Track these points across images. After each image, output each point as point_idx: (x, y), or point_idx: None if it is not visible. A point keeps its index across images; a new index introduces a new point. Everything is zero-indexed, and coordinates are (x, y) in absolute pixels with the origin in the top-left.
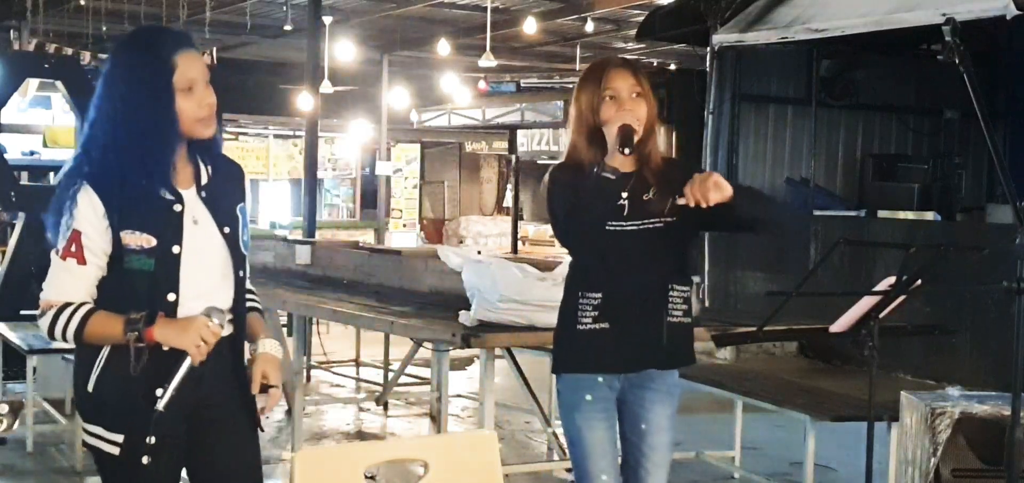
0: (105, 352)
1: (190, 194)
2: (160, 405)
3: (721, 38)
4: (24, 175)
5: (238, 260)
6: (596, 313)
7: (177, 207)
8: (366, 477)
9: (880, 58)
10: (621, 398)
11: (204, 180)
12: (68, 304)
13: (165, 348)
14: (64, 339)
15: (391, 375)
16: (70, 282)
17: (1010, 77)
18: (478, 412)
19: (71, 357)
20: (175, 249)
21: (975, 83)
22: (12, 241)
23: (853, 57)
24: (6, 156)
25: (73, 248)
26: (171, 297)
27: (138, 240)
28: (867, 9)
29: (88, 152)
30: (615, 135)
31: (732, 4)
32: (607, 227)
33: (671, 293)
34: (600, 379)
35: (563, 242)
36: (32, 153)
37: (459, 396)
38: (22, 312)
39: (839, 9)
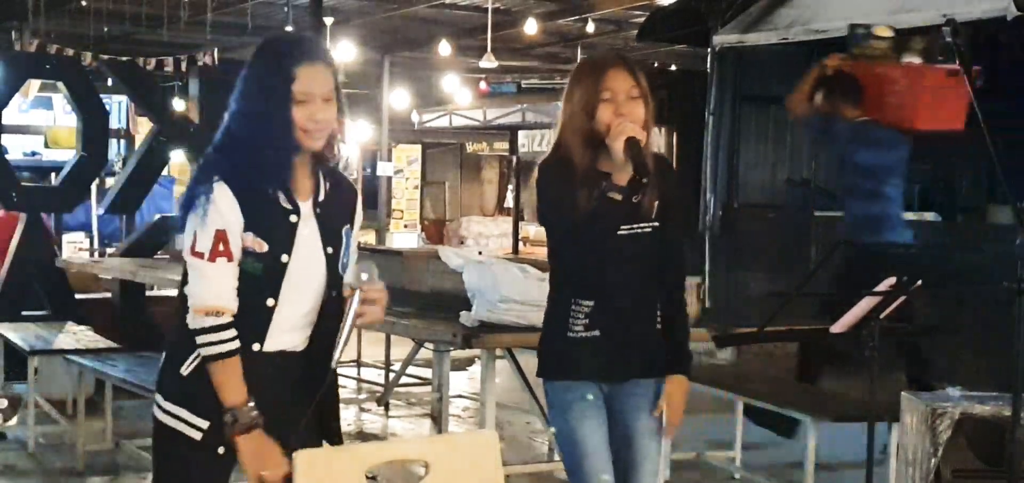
0: None
1: (306, 207)
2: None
3: (722, 39)
4: (25, 175)
5: (333, 280)
6: (587, 321)
7: (293, 217)
8: (367, 477)
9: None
10: (610, 406)
11: (321, 197)
12: (228, 325)
13: (255, 349)
14: (202, 349)
15: (392, 375)
16: (227, 283)
17: (1010, 78)
18: (479, 412)
19: (73, 358)
20: (284, 258)
21: (975, 84)
22: (14, 241)
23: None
24: (7, 157)
25: (221, 247)
26: (270, 302)
27: (254, 243)
28: (868, 10)
29: (219, 151)
30: (622, 150)
31: (733, 5)
32: (603, 233)
33: (654, 301)
34: (590, 385)
35: (550, 241)
36: (33, 154)
37: (460, 396)
38: (23, 312)
39: (840, 10)
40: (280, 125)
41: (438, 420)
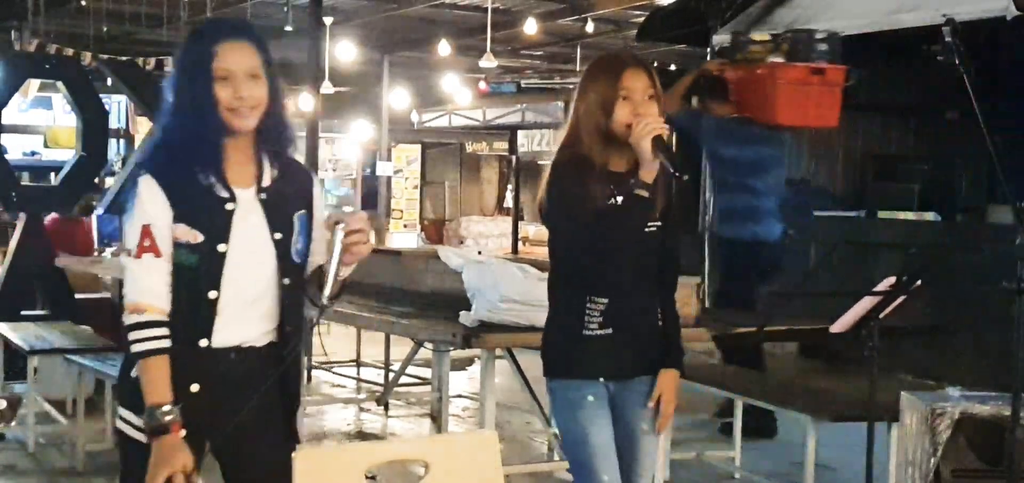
0: None
1: (247, 194)
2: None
3: (721, 38)
4: (25, 176)
5: (286, 268)
6: (602, 319)
7: (229, 205)
8: (367, 477)
9: (880, 59)
10: (612, 403)
11: (266, 181)
12: (154, 323)
13: (202, 345)
14: (130, 347)
15: (392, 375)
16: (153, 279)
17: (1010, 78)
18: (479, 412)
19: (73, 358)
20: (221, 247)
21: (975, 84)
22: (13, 241)
23: (853, 58)
24: (7, 156)
25: (147, 242)
26: (212, 294)
27: (187, 234)
28: (867, 10)
29: (151, 147)
30: (651, 148)
31: (732, 5)
32: (630, 230)
33: (656, 299)
34: (600, 381)
35: (564, 239)
36: (33, 154)
37: (460, 396)
38: (23, 312)
39: (839, 10)
40: (203, 106)
41: (438, 420)
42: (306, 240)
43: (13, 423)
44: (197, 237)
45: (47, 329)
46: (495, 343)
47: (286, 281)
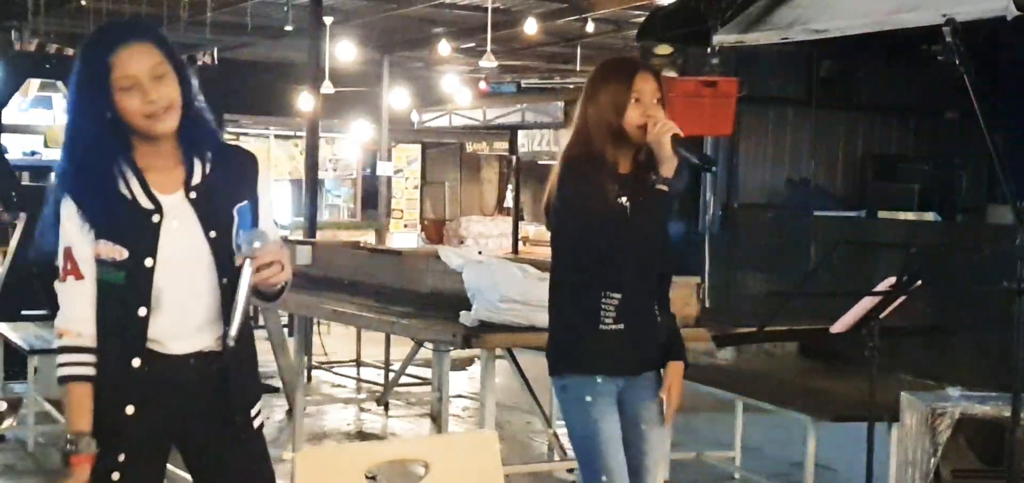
0: None
1: (174, 199)
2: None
3: (721, 39)
4: (25, 175)
5: (224, 268)
6: (615, 314)
7: (155, 217)
8: (367, 477)
9: (880, 59)
10: (620, 398)
11: (196, 179)
12: (75, 348)
13: (136, 365)
14: (57, 370)
15: (392, 375)
16: (76, 303)
17: (1010, 78)
18: (479, 412)
19: None
20: (148, 262)
21: (975, 84)
22: (13, 241)
23: (853, 58)
24: (7, 156)
25: (68, 265)
26: (141, 312)
27: (110, 251)
28: (867, 10)
29: (62, 164)
30: (668, 144)
31: (733, 5)
32: (651, 224)
33: (657, 294)
34: (613, 380)
35: (578, 236)
36: (33, 153)
37: (460, 396)
38: (23, 312)
39: (839, 10)
40: (103, 122)
41: (438, 420)
42: (249, 231)
43: (13, 423)
44: (122, 254)
45: (47, 329)
46: (495, 343)
47: (224, 281)
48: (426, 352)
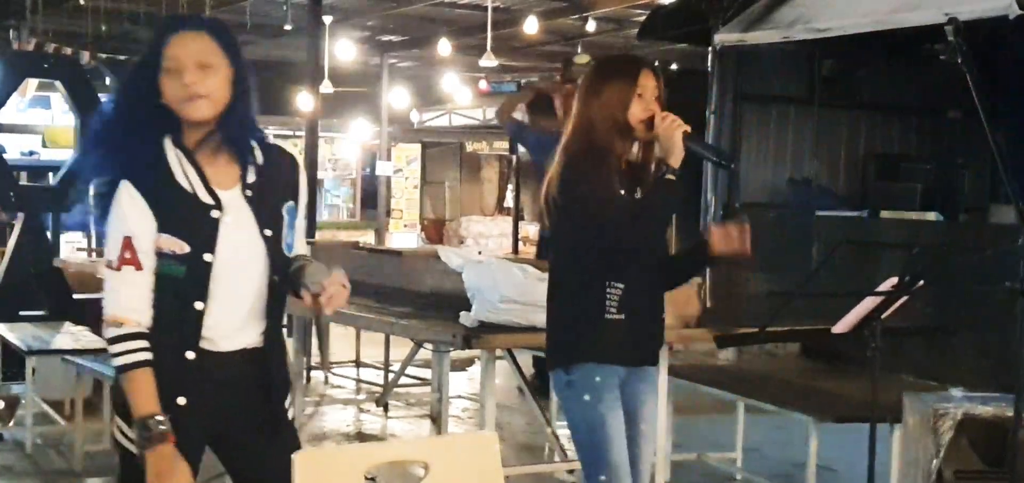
0: None
1: (232, 195)
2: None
3: (723, 38)
4: (23, 175)
5: (275, 264)
6: (619, 304)
7: (215, 213)
8: (366, 478)
9: (882, 58)
10: (621, 390)
11: (251, 177)
12: (135, 335)
13: (189, 357)
14: (113, 360)
15: (391, 376)
16: (132, 294)
17: (1013, 77)
18: (479, 413)
19: (71, 358)
20: (207, 257)
21: (978, 83)
22: (11, 241)
23: (855, 57)
24: (5, 156)
25: (127, 255)
26: (198, 306)
27: (172, 244)
28: (869, 9)
29: (107, 144)
30: (680, 140)
31: (734, 4)
32: (660, 215)
33: (659, 289)
34: (615, 372)
35: (583, 226)
36: (31, 153)
37: (460, 397)
38: (21, 313)
39: (841, 9)
40: (147, 95)
41: (437, 421)
42: (293, 232)
43: (11, 424)
44: (183, 247)
45: (45, 329)
46: (495, 343)
47: (276, 278)
48: (426, 353)
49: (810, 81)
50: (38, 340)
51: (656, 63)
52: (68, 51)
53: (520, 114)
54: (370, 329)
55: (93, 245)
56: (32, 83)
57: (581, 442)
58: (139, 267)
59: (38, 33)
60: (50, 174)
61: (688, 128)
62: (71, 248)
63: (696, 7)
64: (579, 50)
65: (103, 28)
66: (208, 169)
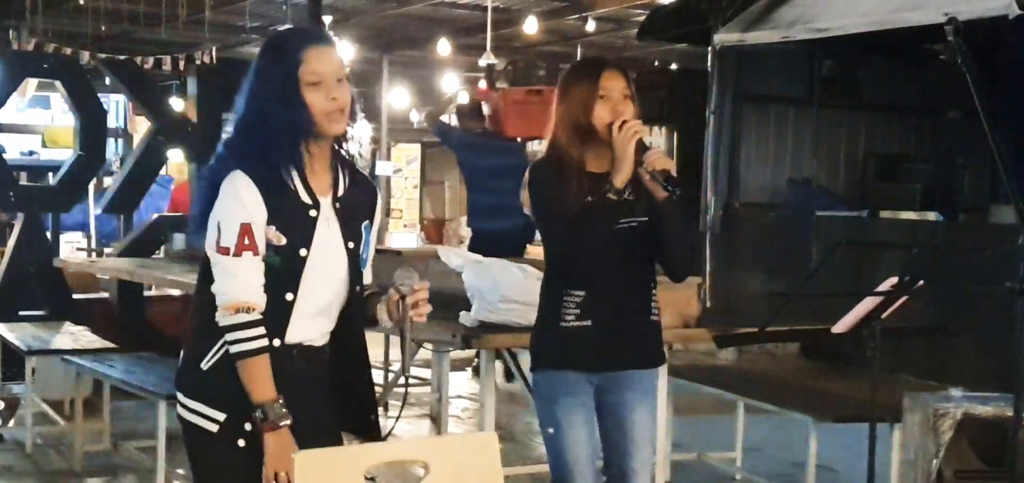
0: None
1: (326, 201)
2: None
3: (722, 38)
4: (23, 175)
5: (355, 275)
6: (579, 311)
7: (313, 212)
8: (366, 478)
9: (882, 58)
10: (602, 399)
11: (341, 191)
12: (256, 322)
13: (276, 345)
14: (232, 346)
15: (391, 376)
16: (252, 280)
17: (1012, 77)
18: (479, 413)
19: (71, 358)
20: (302, 251)
21: (977, 83)
22: (11, 241)
23: (855, 57)
24: (5, 156)
25: (246, 241)
26: (289, 297)
27: (274, 236)
28: (869, 9)
29: (233, 145)
30: (631, 150)
31: (734, 4)
32: (600, 228)
33: (651, 292)
34: (584, 377)
35: (548, 236)
36: (31, 153)
37: (459, 397)
38: (21, 312)
39: (841, 9)
40: (292, 111)
41: (437, 421)
42: (368, 249)
43: (11, 424)
44: (281, 240)
45: (45, 329)
46: (495, 344)
47: (357, 288)
48: (426, 352)
49: (810, 81)
50: (38, 340)
51: (656, 63)
52: (68, 51)
53: (447, 118)
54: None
55: (93, 245)
56: (32, 83)
57: (545, 439)
58: (256, 252)
59: (38, 33)
60: (50, 174)
61: (642, 134)
62: (71, 248)
63: (696, 7)
64: (509, 63)
65: (103, 28)
66: (308, 172)
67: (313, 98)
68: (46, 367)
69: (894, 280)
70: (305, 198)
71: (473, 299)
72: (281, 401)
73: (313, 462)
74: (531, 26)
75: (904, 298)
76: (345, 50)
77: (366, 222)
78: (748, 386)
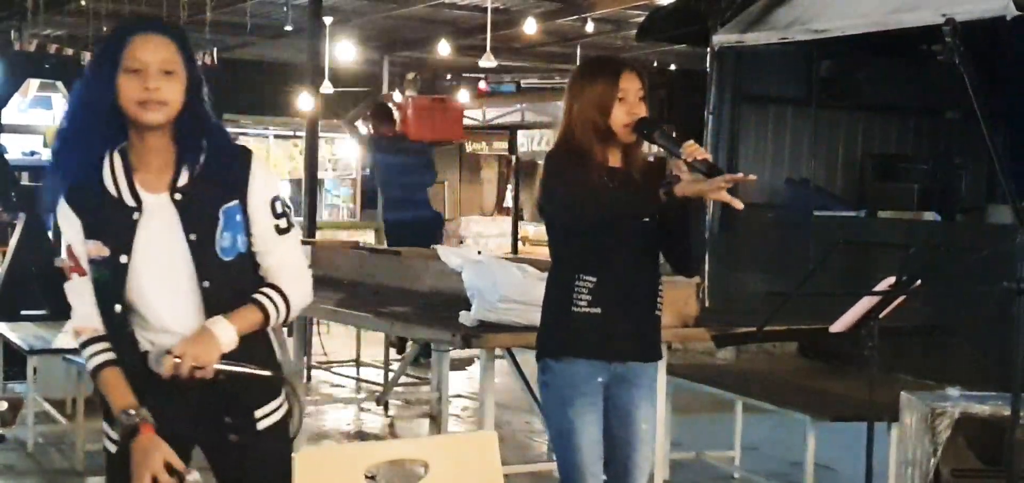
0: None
1: (158, 199)
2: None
3: (721, 39)
4: (25, 175)
5: (205, 270)
6: (590, 297)
7: (135, 215)
8: (366, 477)
9: (880, 59)
10: (609, 394)
11: (182, 181)
12: (93, 339)
13: (124, 358)
14: (87, 366)
15: (391, 375)
16: (84, 300)
17: (1010, 77)
18: (478, 412)
19: (72, 358)
20: (123, 259)
21: (975, 83)
22: (13, 241)
23: (853, 58)
24: (7, 156)
25: (71, 262)
26: (117, 309)
27: (97, 250)
28: (867, 10)
29: (55, 156)
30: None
31: (732, 5)
32: (620, 205)
33: (657, 287)
34: (593, 372)
35: (562, 222)
36: (33, 153)
37: (459, 396)
38: (23, 312)
39: (839, 10)
40: (100, 93)
41: (437, 420)
42: (235, 233)
43: (13, 423)
44: (104, 251)
45: (46, 329)
46: (495, 343)
47: (206, 283)
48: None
49: (808, 82)
50: (39, 339)
51: (655, 63)
52: (69, 52)
53: (360, 122)
54: (370, 328)
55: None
56: (34, 83)
57: (553, 442)
58: (82, 272)
59: (39, 34)
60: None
61: (709, 157)
62: None
63: (694, 8)
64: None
65: (104, 29)
66: (138, 173)
67: (126, 84)
68: (48, 366)
69: (892, 280)
70: (128, 200)
71: (473, 299)
72: (135, 410)
73: (313, 462)
74: (530, 27)
75: (902, 298)
76: (346, 50)
77: (228, 205)
78: (746, 385)
